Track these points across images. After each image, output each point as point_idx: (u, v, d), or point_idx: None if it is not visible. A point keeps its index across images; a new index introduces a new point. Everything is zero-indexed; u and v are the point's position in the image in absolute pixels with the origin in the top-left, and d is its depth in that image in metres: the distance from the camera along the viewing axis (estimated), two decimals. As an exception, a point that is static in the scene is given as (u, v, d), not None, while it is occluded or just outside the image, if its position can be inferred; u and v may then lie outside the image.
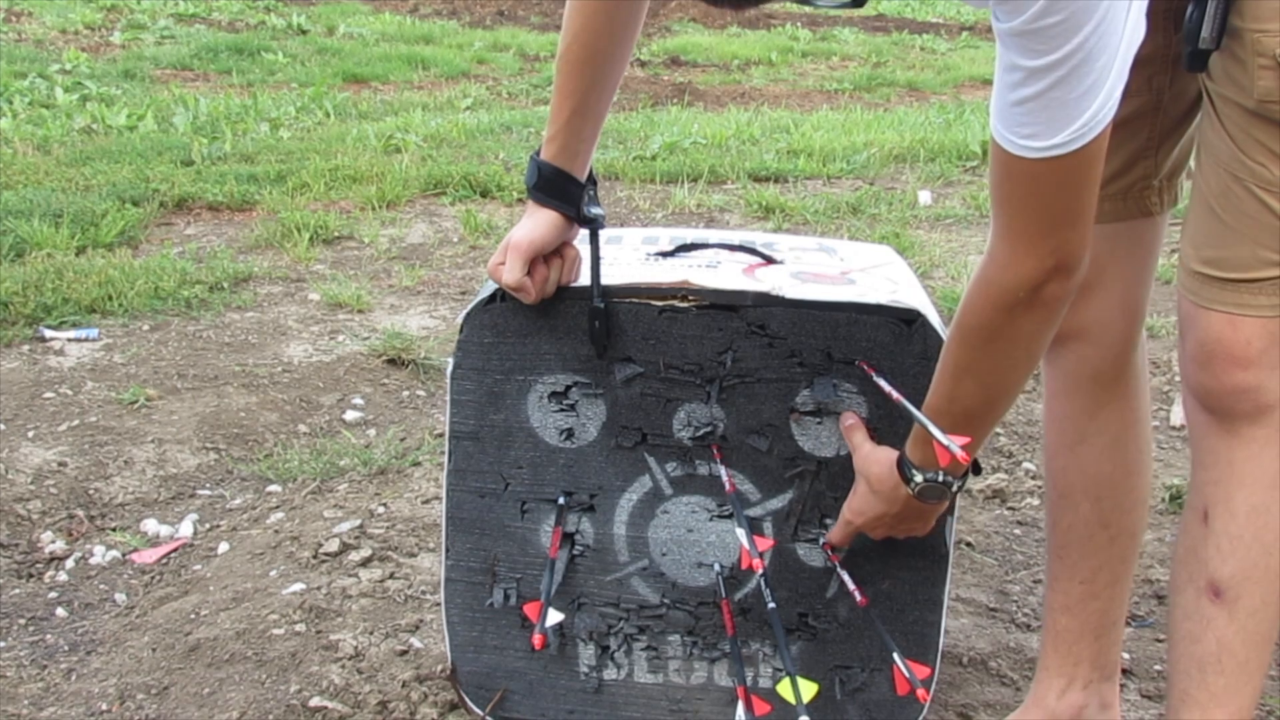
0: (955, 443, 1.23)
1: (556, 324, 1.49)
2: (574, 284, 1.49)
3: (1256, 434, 1.27)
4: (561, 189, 1.45)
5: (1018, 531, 2.30)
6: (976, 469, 1.39)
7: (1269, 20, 1.16)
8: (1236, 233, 1.24)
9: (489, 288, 1.51)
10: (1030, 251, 1.16)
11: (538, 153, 1.46)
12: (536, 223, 1.45)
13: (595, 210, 1.47)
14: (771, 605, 1.36)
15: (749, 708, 1.23)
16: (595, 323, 1.47)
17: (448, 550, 1.57)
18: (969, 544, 2.23)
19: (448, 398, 1.54)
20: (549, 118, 1.46)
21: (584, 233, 1.49)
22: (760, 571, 1.35)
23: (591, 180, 1.48)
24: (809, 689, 1.20)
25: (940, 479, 1.32)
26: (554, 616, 1.38)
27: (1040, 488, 2.45)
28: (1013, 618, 1.98)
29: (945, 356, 1.29)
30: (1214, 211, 1.27)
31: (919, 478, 1.32)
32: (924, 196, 5.05)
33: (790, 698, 1.19)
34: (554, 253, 1.47)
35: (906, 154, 5.87)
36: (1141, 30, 1.09)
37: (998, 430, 2.72)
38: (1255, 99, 1.18)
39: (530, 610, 1.40)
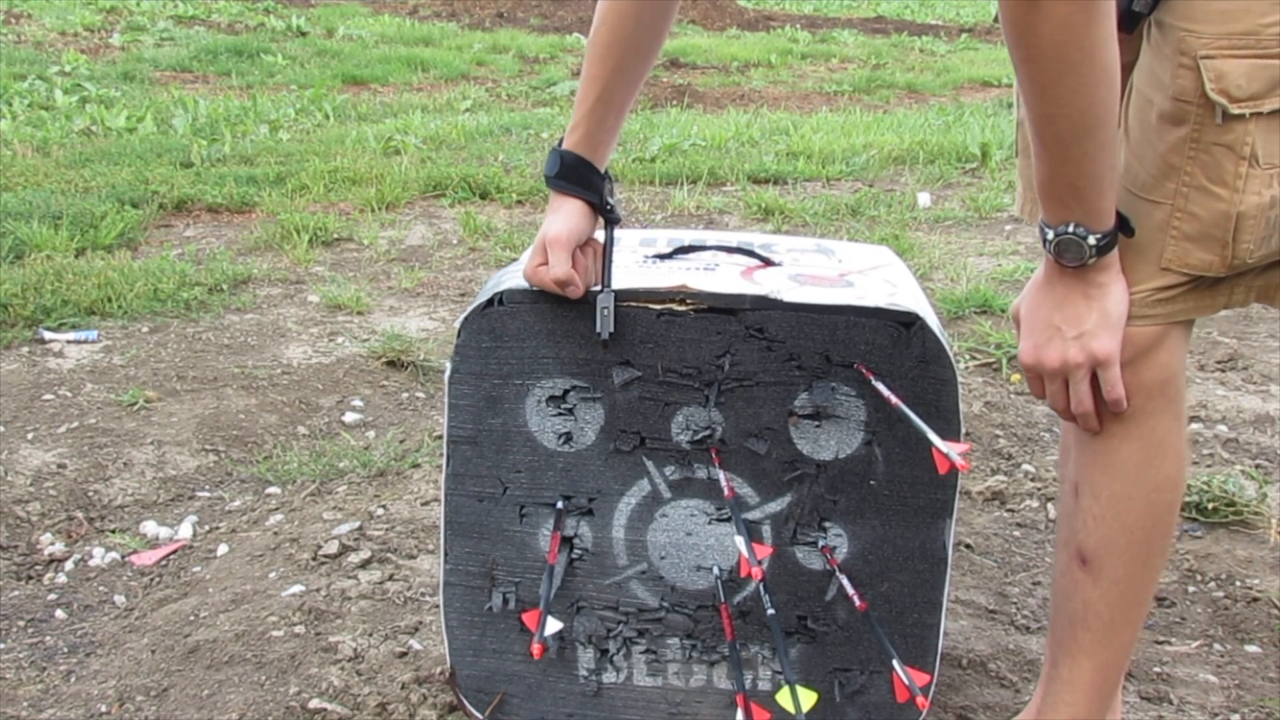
0: (954, 450, 1.23)
1: (555, 328, 1.49)
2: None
3: (1114, 429, 1.32)
4: (585, 178, 1.46)
5: (1017, 533, 2.30)
6: (1127, 229, 1.25)
7: (1197, 21, 1.17)
8: None
9: (487, 291, 1.51)
10: None
11: (559, 144, 1.47)
12: (567, 215, 1.45)
13: (612, 201, 1.49)
14: (771, 612, 1.35)
15: (748, 715, 1.23)
16: (604, 310, 1.45)
17: (446, 554, 1.57)
18: (968, 546, 2.23)
19: (445, 402, 1.53)
20: (575, 106, 1.47)
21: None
22: (760, 579, 1.35)
23: (609, 177, 1.49)
24: (808, 698, 1.20)
25: (1072, 229, 1.21)
26: (553, 625, 1.37)
27: (1040, 489, 2.45)
28: (1012, 620, 1.98)
29: (1024, 103, 1.19)
30: None
31: (1050, 234, 1.23)
32: (923, 198, 5.05)
33: (790, 707, 1.19)
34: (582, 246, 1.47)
35: (906, 156, 5.87)
36: None
37: (997, 433, 2.72)
38: (1170, 96, 1.19)
39: (529, 619, 1.40)
